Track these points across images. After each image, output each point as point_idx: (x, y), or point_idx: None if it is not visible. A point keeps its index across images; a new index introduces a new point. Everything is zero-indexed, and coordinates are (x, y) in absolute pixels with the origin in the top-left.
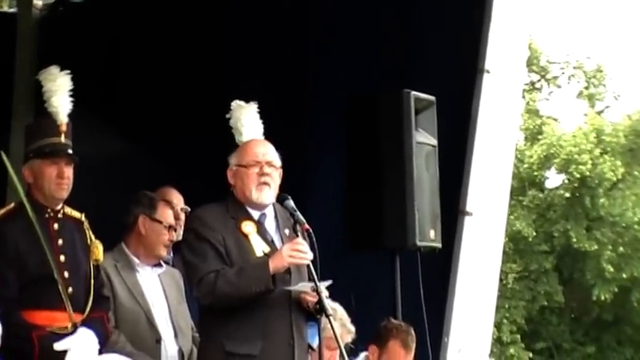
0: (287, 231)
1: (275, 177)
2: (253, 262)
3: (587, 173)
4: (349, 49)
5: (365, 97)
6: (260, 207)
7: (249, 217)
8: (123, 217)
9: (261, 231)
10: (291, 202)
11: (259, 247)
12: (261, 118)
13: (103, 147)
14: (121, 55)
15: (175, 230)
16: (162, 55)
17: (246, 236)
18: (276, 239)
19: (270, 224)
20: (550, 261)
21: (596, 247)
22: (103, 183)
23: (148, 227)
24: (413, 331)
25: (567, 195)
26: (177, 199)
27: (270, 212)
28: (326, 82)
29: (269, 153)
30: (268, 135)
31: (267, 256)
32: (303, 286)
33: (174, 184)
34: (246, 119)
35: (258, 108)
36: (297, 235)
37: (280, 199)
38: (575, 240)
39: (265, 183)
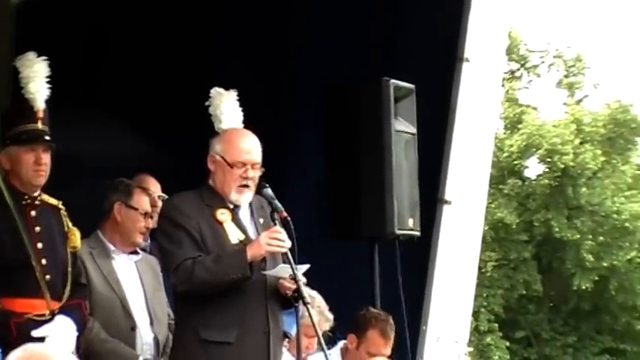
0: (261, 220)
1: (257, 177)
2: (230, 249)
3: (570, 163)
4: (328, 38)
5: (344, 85)
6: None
7: (224, 205)
8: (100, 204)
9: (236, 219)
10: (269, 191)
11: (234, 235)
12: (240, 105)
13: (84, 135)
14: (103, 42)
15: (152, 217)
16: (144, 43)
17: (220, 224)
18: (250, 228)
19: (244, 213)
20: (529, 250)
21: (577, 236)
22: (85, 171)
23: (124, 214)
24: (392, 320)
25: (549, 184)
26: (154, 186)
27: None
28: (305, 71)
29: (256, 152)
30: (247, 123)
31: (243, 243)
32: (282, 269)
33: (153, 171)
34: (226, 107)
35: (238, 96)
36: (275, 224)
37: (258, 188)
38: (557, 229)
39: (247, 186)
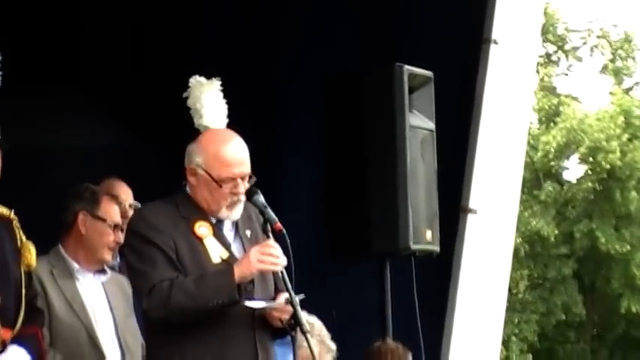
0: (248, 233)
1: (246, 188)
2: (215, 269)
3: (618, 163)
4: (328, 18)
5: (347, 74)
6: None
7: (205, 218)
8: (61, 214)
9: (218, 234)
10: (260, 198)
11: (216, 252)
12: (225, 98)
13: (47, 127)
14: (80, 29)
15: (122, 230)
16: (123, 25)
17: (200, 240)
18: (234, 243)
19: (227, 225)
20: (569, 266)
21: (626, 249)
22: (44, 171)
23: (90, 226)
24: (410, 358)
25: (593, 188)
26: (125, 193)
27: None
28: (302, 57)
29: (246, 162)
30: (233, 119)
31: (226, 262)
32: (271, 305)
33: (131, 175)
34: (208, 99)
35: (222, 86)
36: (268, 237)
37: (248, 195)
38: (602, 242)
39: (238, 201)
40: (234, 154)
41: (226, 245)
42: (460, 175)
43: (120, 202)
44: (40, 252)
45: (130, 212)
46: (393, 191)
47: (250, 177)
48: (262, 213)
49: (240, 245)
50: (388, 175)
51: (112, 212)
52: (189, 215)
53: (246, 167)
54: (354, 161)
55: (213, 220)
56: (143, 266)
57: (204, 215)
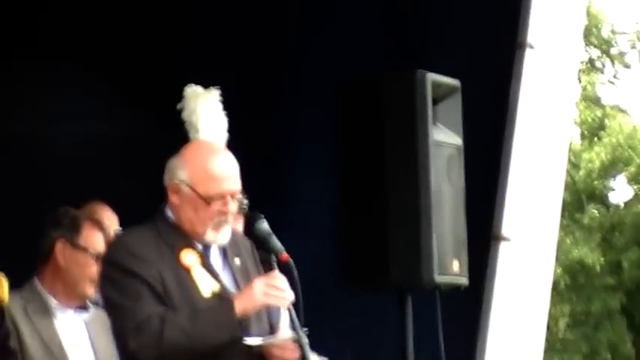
0: (237, 260)
1: (237, 207)
2: (211, 303)
3: None
4: (341, 18)
5: (362, 80)
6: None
7: (190, 245)
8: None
9: (206, 263)
10: (264, 224)
11: (206, 285)
12: (225, 109)
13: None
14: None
15: None
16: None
17: (187, 270)
18: (223, 273)
19: (214, 252)
20: (616, 300)
21: None
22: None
23: (69, 256)
24: None
25: None
26: (110, 218)
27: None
28: (312, 62)
29: (235, 177)
30: (233, 133)
31: (218, 295)
32: (272, 342)
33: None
34: (205, 111)
35: (222, 96)
36: (272, 268)
37: (251, 220)
38: None
39: (225, 221)
40: (223, 167)
41: (215, 276)
42: (491, 198)
43: (104, 228)
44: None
45: None
46: (415, 215)
47: (244, 202)
48: (266, 241)
49: (230, 275)
50: (409, 198)
51: (94, 240)
52: (173, 242)
53: (236, 183)
54: (371, 181)
55: (200, 247)
56: (125, 300)
57: (189, 242)
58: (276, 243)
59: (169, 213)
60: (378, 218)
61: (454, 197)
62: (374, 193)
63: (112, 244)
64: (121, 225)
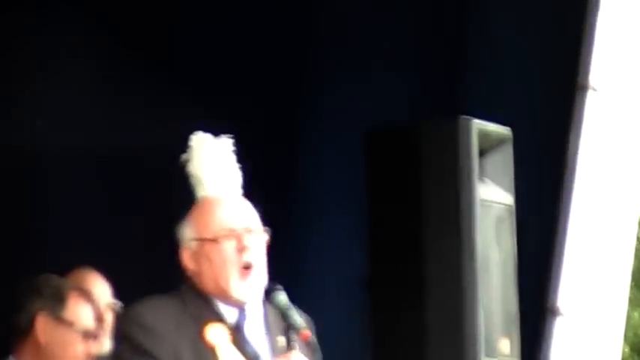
0: (281, 340)
1: (261, 249)
2: None
3: None
4: (372, 60)
5: (395, 129)
6: (241, 305)
7: (219, 318)
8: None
9: (239, 339)
10: (283, 297)
11: None
12: (239, 161)
13: None
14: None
15: (96, 338)
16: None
17: (211, 348)
18: (263, 352)
19: (253, 328)
20: None
21: None
22: None
23: (52, 333)
24: None
25: None
26: (100, 288)
27: (253, 308)
28: (336, 109)
29: (248, 215)
30: (248, 189)
31: None
32: None
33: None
34: (214, 163)
35: (235, 145)
36: (292, 347)
37: (266, 289)
38: None
39: (249, 266)
40: (227, 205)
41: (250, 356)
42: (547, 266)
43: (93, 300)
44: None
45: (108, 314)
46: (458, 287)
47: (266, 237)
48: (286, 316)
49: (272, 353)
50: (451, 266)
51: (81, 314)
52: (199, 314)
53: (249, 219)
54: (406, 247)
55: (232, 320)
56: None
57: (217, 313)
58: (297, 318)
59: (196, 283)
60: (414, 292)
61: (504, 265)
62: (410, 262)
63: (124, 315)
64: (119, 296)
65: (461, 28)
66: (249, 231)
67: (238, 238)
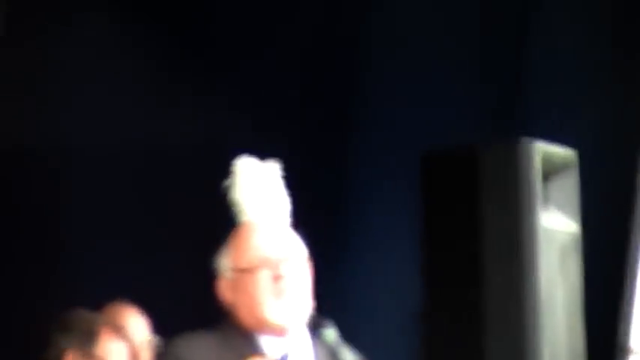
0: None
1: (300, 277)
2: None
3: None
4: (427, 80)
5: (453, 151)
6: (280, 333)
7: (262, 353)
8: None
9: None
10: (332, 332)
11: None
12: (288, 188)
13: None
14: None
15: None
16: None
17: None
18: None
19: None
20: None
21: None
22: None
23: None
24: None
25: None
26: (136, 323)
27: (300, 343)
28: (390, 132)
29: (284, 241)
30: (296, 219)
31: None
32: None
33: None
34: (257, 189)
35: (284, 171)
36: None
37: (313, 324)
38: None
39: (283, 292)
40: (262, 234)
41: None
42: (617, 299)
43: (126, 336)
44: None
45: (144, 352)
46: (519, 323)
47: (309, 268)
48: (335, 353)
49: None
50: (512, 301)
51: (113, 351)
52: (240, 349)
53: (287, 247)
54: (463, 278)
55: (275, 355)
56: None
57: (259, 348)
58: (347, 356)
59: (234, 314)
60: (472, 327)
61: (569, 298)
62: (467, 294)
63: (163, 352)
64: (158, 332)
65: (522, 45)
66: (286, 259)
67: (274, 267)
